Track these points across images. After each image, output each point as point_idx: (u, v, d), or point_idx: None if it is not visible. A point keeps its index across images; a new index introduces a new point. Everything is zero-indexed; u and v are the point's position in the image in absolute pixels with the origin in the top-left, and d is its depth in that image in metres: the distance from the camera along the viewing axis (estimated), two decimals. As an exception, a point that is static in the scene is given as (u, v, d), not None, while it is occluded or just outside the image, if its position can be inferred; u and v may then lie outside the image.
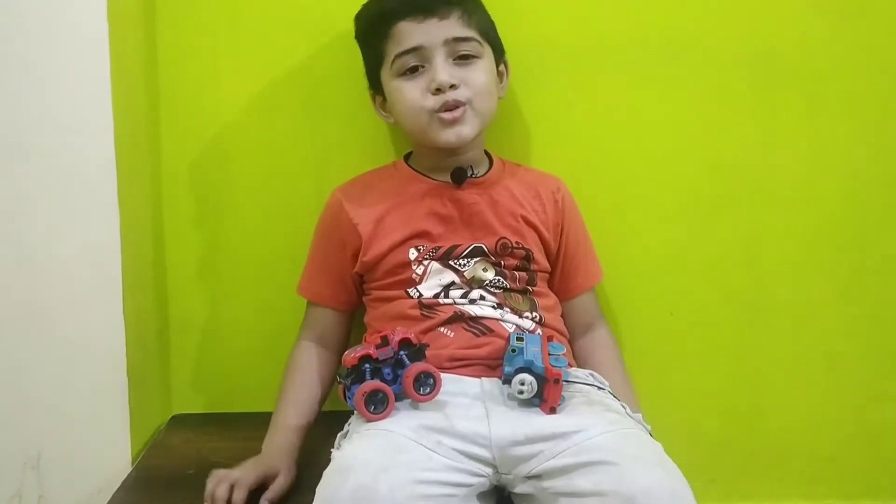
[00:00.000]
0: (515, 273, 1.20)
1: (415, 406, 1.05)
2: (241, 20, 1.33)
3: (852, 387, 1.42)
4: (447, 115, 1.16)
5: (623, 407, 1.10)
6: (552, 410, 1.04)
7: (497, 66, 1.23)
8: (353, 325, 1.30)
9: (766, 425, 1.43)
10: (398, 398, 1.05)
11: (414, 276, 1.18)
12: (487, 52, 1.21)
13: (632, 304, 1.40)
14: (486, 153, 1.29)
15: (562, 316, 1.26)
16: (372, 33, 1.21)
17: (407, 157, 1.29)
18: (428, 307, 1.17)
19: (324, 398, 1.25)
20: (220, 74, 1.34)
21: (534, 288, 1.22)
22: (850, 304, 1.41)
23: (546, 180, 1.29)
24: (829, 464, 1.43)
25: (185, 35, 1.33)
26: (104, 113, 1.18)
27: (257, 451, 1.17)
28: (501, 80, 1.25)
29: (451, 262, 1.19)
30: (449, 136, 1.17)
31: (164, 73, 1.33)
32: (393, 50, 1.18)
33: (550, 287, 1.26)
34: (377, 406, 1.03)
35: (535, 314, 1.19)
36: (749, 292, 1.40)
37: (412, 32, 1.16)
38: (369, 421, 1.03)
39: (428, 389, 1.05)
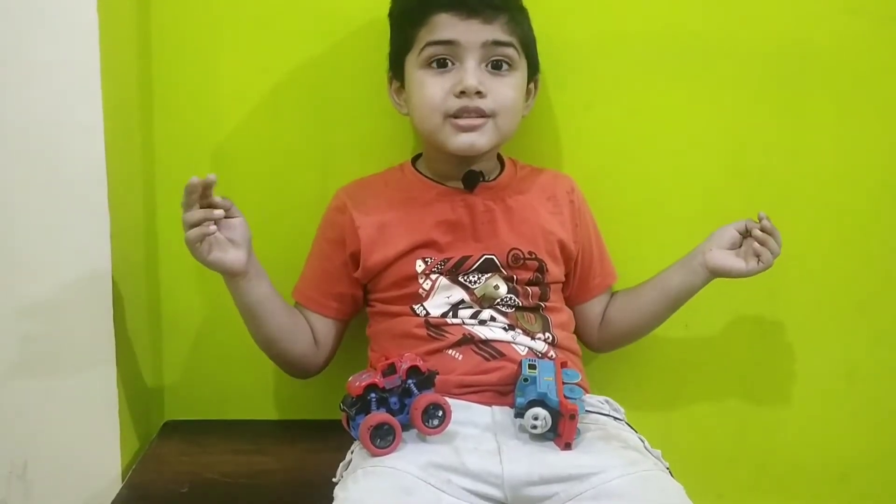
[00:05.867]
0: (528, 288, 1.16)
1: (422, 438, 1.01)
2: (241, 11, 1.27)
3: (870, 403, 1.39)
4: (463, 122, 1.11)
5: (641, 440, 1.06)
6: (567, 446, 1.00)
7: (528, 83, 1.18)
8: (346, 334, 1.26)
9: (778, 441, 1.40)
10: (405, 428, 1.00)
11: (421, 290, 1.13)
12: (522, 65, 1.15)
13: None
14: (498, 155, 1.23)
15: (580, 320, 1.24)
16: (407, 17, 1.16)
17: (414, 161, 1.24)
18: (435, 327, 1.12)
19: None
20: (218, 70, 1.28)
21: (546, 304, 1.17)
22: (872, 317, 1.38)
23: (559, 180, 1.25)
24: (841, 482, 1.41)
25: (181, 28, 1.27)
26: (94, 109, 1.13)
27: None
28: (528, 99, 1.19)
29: (460, 279, 1.14)
30: (461, 142, 1.12)
31: (159, 67, 1.27)
32: (425, 37, 1.12)
33: (566, 293, 1.23)
34: (383, 439, 0.98)
35: (547, 335, 1.14)
36: (767, 304, 1.37)
37: (451, 26, 1.11)
38: (374, 455, 0.98)
39: (437, 422, 1.00)
